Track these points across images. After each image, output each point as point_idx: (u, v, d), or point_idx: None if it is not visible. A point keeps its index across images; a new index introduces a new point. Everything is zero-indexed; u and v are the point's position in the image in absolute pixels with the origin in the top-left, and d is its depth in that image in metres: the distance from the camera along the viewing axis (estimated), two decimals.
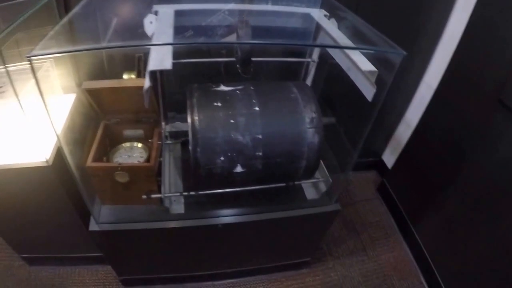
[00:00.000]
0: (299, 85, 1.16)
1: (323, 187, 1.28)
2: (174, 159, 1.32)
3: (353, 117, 1.19)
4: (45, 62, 1.20)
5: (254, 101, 1.06)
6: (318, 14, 1.21)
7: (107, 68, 1.32)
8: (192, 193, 1.17)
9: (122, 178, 1.10)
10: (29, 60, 0.73)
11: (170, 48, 0.87)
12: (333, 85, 1.31)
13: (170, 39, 0.93)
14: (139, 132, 1.25)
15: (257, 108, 1.05)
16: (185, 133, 1.37)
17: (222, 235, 1.24)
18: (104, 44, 0.90)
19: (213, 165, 1.03)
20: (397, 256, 1.66)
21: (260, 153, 1.05)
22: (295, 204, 1.25)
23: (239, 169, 1.05)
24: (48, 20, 1.13)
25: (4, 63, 1.01)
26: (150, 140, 1.24)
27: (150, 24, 1.07)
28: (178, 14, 1.10)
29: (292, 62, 1.38)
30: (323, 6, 1.25)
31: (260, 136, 1.04)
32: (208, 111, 1.02)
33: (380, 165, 2.00)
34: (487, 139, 1.26)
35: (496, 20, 1.21)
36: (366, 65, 0.98)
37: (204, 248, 1.32)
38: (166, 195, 1.15)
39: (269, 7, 1.22)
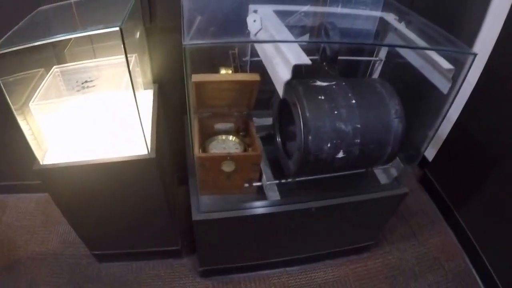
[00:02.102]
0: (380, 81, 1.31)
1: (393, 172, 1.42)
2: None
3: (417, 111, 1.35)
4: (131, 57, 1.28)
5: (349, 94, 1.20)
6: (389, 17, 1.36)
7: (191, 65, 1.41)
8: (293, 179, 1.27)
9: (228, 167, 1.19)
10: (184, 49, 0.82)
11: (298, 45, 1.00)
12: (397, 82, 1.46)
13: (291, 37, 1.05)
14: (230, 125, 1.35)
15: (354, 101, 1.18)
16: (263, 128, 1.50)
17: (311, 219, 1.35)
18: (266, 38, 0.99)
19: (321, 151, 1.15)
20: (443, 240, 1.82)
21: (358, 140, 1.18)
22: (373, 188, 1.38)
23: (340, 154, 1.18)
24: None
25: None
26: (241, 133, 1.35)
27: (254, 22, 1.18)
28: (276, 14, 1.23)
29: (363, 60, 1.52)
30: (386, 8, 1.41)
31: (358, 125, 1.17)
32: (315, 103, 1.14)
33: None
34: None
35: None
36: (444, 63, 1.14)
37: (288, 233, 1.42)
38: (268, 182, 1.25)
39: (347, 11, 1.37)
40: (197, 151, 1.19)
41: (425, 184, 2.07)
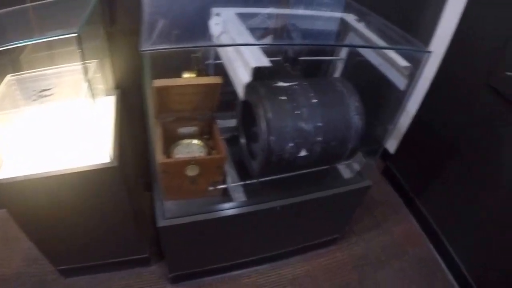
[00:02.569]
0: (340, 80, 1.33)
1: (356, 167, 1.46)
2: None
3: (377, 107, 1.39)
4: (91, 63, 1.24)
5: (311, 94, 1.21)
6: (349, 18, 1.39)
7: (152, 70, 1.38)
8: (258, 180, 1.28)
9: (192, 171, 1.18)
10: (142, 54, 0.80)
11: (258, 47, 0.99)
12: (358, 79, 1.49)
13: (252, 39, 1.05)
14: (194, 129, 1.33)
15: (315, 100, 1.20)
16: (227, 130, 1.49)
17: (277, 218, 1.37)
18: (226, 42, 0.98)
19: (283, 152, 1.16)
20: (407, 228, 1.90)
21: (320, 138, 1.20)
22: (336, 183, 1.42)
23: (303, 153, 1.19)
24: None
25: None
26: (205, 136, 1.33)
27: (216, 25, 1.17)
28: (238, 16, 1.22)
29: (325, 60, 1.55)
30: (347, 9, 1.44)
31: (320, 124, 1.19)
32: (277, 104, 1.15)
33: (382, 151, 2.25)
34: (480, 116, 1.52)
35: (485, 15, 1.47)
36: (401, 61, 1.18)
37: (256, 233, 1.43)
38: (233, 184, 1.25)
39: (309, 12, 1.38)
40: (160, 157, 1.17)
41: (388, 176, 2.15)
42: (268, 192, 1.31)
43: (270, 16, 1.36)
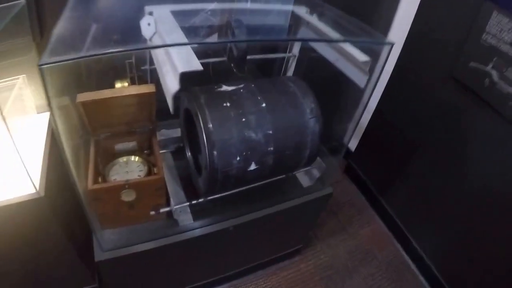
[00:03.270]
0: (293, 79, 1.20)
1: (315, 173, 1.34)
2: (169, 168, 1.25)
3: (336, 105, 1.28)
4: (17, 79, 1.05)
5: (259, 98, 1.07)
6: (300, 11, 1.25)
7: (86, 79, 1.19)
8: (205, 199, 1.12)
9: (128, 196, 1.01)
10: (41, 69, 0.63)
11: (190, 48, 0.83)
12: (313, 77, 1.37)
13: (184, 39, 0.88)
14: (132, 144, 1.16)
15: (264, 105, 1.06)
16: (174, 140, 1.32)
17: (232, 237, 1.22)
18: (132, 46, 0.79)
19: (230, 167, 1.01)
20: (373, 229, 1.81)
21: (272, 148, 1.06)
22: (295, 193, 1.29)
23: (252, 166, 1.05)
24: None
25: None
26: (145, 152, 1.16)
27: (148, 26, 0.99)
28: (174, 14, 1.05)
29: (274, 58, 1.41)
30: (298, 2, 1.30)
31: (270, 132, 1.05)
32: (219, 112, 1.00)
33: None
34: (442, 109, 1.45)
35: (444, 4, 1.39)
36: (360, 56, 1.06)
37: (209, 255, 1.28)
38: (177, 206, 1.09)
39: (254, 6, 1.23)
40: (90, 183, 0.98)
41: (350, 174, 2.05)
42: (219, 211, 1.16)
43: (214, 12, 1.20)
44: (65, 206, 1.17)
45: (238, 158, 1.01)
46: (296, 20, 1.30)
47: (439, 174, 1.50)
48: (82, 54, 0.67)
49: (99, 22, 1.03)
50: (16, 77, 1.14)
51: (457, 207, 1.44)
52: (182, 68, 0.77)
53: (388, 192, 1.80)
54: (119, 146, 1.15)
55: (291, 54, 1.36)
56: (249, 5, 1.28)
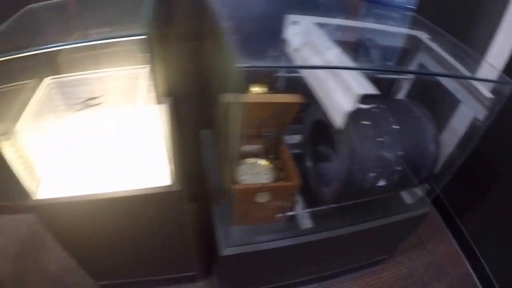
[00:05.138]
0: (416, 104, 1.25)
1: (419, 192, 1.40)
2: None
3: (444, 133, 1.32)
4: (144, 68, 1.15)
5: (390, 119, 1.14)
6: (423, 36, 1.30)
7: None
8: (328, 206, 1.20)
9: (263, 198, 1.10)
10: (241, 72, 0.72)
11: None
12: (426, 100, 1.41)
13: (344, 58, 0.95)
14: (259, 147, 1.25)
15: (396, 127, 1.13)
16: (289, 146, 1.40)
17: (339, 243, 1.30)
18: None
19: (364, 182, 1.09)
20: (448, 247, 1.86)
21: (400, 168, 1.13)
22: (400, 208, 1.36)
23: (381, 183, 1.13)
24: None
25: None
26: (271, 156, 1.25)
27: (295, 35, 1.07)
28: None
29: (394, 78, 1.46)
30: (415, 25, 1.35)
31: (401, 153, 1.12)
32: (361, 130, 1.07)
33: None
34: None
35: None
36: (485, 92, 1.10)
37: (317, 257, 1.37)
38: (302, 211, 1.18)
39: (380, 27, 1.29)
40: (230, 182, 1.09)
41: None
42: (336, 218, 1.24)
43: (338, 27, 1.27)
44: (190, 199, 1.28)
45: (371, 174, 1.09)
46: (415, 44, 1.35)
47: None
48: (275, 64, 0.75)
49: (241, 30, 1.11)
50: (142, 66, 1.16)
51: None
52: (360, 90, 0.85)
53: (464, 214, 1.84)
54: (247, 148, 1.24)
55: (407, 77, 1.41)
56: (373, 25, 1.33)
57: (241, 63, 0.74)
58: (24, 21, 1.04)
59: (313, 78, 1.04)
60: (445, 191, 1.97)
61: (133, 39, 0.81)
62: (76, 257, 1.26)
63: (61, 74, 1.22)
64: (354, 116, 1.08)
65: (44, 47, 0.81)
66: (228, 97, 1.01)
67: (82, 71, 1.21)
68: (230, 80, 0.79)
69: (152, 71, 0.88)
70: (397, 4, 1.33)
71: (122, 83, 1.18)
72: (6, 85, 0.98)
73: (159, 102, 1.31)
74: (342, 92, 0.91)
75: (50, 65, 1.21)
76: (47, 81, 1.18)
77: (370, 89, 0.87)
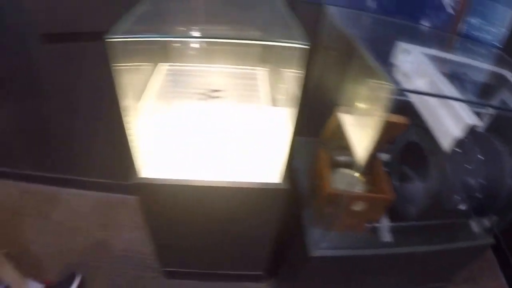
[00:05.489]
0: (496, 137, 1.36)
1: (487, 224, 1.48)
2: None
3: None
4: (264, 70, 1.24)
5: (476, 148, 1.26)
6: (508, 75, 1.39)
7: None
8: (410, 223, 1.30)
9: (358, 206, 1.22)
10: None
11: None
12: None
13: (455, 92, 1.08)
14: (351, 158, 1.34)
15: (481, 157, 1.25)
16: None
17: (411, 261, 1.39)
18: None
19: (448, 203, 1.20)
20: (499, 285, 1.91)
21: (480, 196, 1.24)
22: (468, 236, 1.44)
23: (462, 207, 1.23)
24: None
25: None
26: (363, 170, 1.36)
27: (407, 63, 1.20)
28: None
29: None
30: (500, 63, 1.45)
31: (483, 181, 1.23)
32: (452, 155, 1.19)
33: None
34: None
35: None
36: None
37: (387, 271, 1.45)
38: (388, 224, 1.29)
39: (469, 61, 1.38)
40: (327, 187, 1.21)
41: None
42: (411, 236, 1.34)
43: (439, 58, 1.33)
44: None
45: (456, 197, 1.20)
46: (500, 82, 1.41)
47: None
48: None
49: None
50: (263, 69, 1.21)
51: None
52: (470, 120, 0.98)
53: None
54: (340, 158, 1.36)
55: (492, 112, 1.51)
56: (464, 59, 1.41)
57: (392, 86, 0.88)
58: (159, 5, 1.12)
59: (422, 103, 1.17)
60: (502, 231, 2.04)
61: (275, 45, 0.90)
62: (156, 240, 1.33)
63: (173, 62, 1.29)
64: (458, 142, 1.22)
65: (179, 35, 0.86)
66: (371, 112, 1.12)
67: (194, 63, 1.29)
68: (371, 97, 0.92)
69: (300, 79, 0.97)
70: (486, 40, 1.45)
71: (241, 82, 1.26)
72: (127, 64, 1.00)
73: (285, 105, 1.36)
74: (452, 120, 1.04)
75: (164, 51, 1.28)
76: (162, 66, 1.25)
77: (477, 121, 1.00)
